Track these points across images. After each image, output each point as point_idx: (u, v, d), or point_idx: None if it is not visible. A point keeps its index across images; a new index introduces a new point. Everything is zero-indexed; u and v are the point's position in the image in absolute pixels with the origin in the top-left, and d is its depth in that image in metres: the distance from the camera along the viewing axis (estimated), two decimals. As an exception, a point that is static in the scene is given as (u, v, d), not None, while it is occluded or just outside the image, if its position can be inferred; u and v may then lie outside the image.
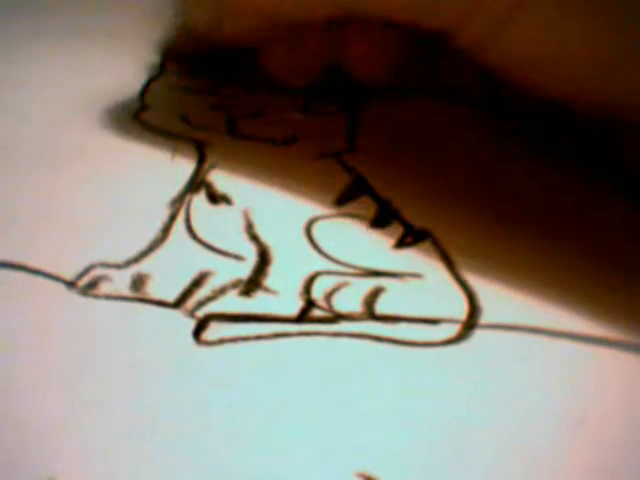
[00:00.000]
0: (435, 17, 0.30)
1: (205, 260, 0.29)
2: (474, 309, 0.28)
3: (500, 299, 0.28)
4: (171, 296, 0.27)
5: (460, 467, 0.24)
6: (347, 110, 0.35)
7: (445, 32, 0.31)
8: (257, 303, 0.27)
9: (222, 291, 0.28)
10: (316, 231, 0.30)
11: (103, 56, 0.38)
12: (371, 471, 0.23)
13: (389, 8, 0.31)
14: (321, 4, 0.32)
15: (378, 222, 0.30)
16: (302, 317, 0.27)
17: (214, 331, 0.26)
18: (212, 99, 0.36)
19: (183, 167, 0.32)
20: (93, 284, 0.27)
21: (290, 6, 0.32)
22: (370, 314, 0.27)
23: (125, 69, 0.37)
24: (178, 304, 0.27)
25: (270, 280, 0.28)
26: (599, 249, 0.30)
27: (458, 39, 0.31)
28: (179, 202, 0.31)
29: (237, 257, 0.29)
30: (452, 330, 0.27)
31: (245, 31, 0.34)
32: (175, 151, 0.33)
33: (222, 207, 0.30)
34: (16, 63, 0.37)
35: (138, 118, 0.34)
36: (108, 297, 0.27)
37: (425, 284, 0.28)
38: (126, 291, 0.27)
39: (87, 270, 0.28)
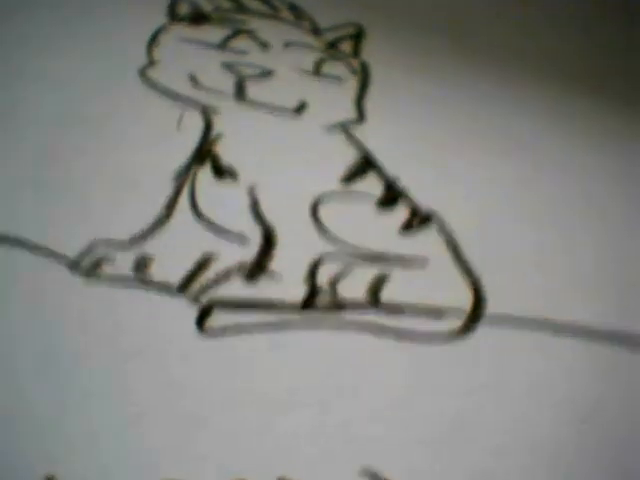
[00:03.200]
0: None
1: (209, 241, 0.28)
2: (479, 299, 0.27)
3: (505, 288, 0.28)
4: (175, 278, 0.27)
5: (462, 459, 0.24)
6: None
7: None
8: (261, 288, 0.27)
9: (226, 275, 0.27)
10: (322, 211, 0.29)
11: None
12: (374, 462, 0.23)
13: None
14: None
15: (385, 202, 0.30)
16: (307, 304, 0.27)
17: (218, 318, 0.26)
18: (222, 55, 0.34)
19: (189, 135, 0.31)
20: (96, 265, 0.27)
21: None
22: (375, 302, 0.27)
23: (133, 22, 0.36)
24: (182, 288, 0.27)
25: (275, 264, 0.28)
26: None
27: None
28: (184, 174, 0.30)
29: (242, 238, 0.28)
30: (456, 321, 0.27)
31: None
32: (181, 118, 0.32)
33: (227, 181, 0.30)
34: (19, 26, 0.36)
35: (144, 75, 0.33)
36: (111, 279, 0.27)
37: (430, 271, 0.28)
38: (129, 272, 0.27)
39: (90, 248, 0.28)
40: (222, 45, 0.35)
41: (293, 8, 0.36)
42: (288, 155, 0.31)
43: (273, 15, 0.36)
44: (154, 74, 0.33)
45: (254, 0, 0.37)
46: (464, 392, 0.25)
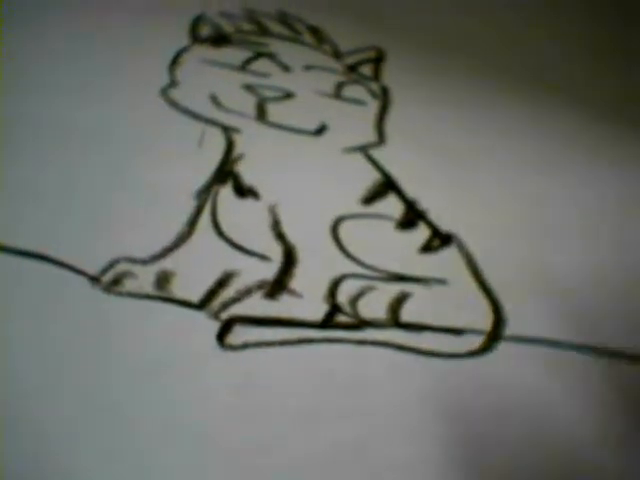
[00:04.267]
0: None
1: (230, 258, 0.28)
2: (499, 320, 0.27)
3: (525, 309, 0.28)
4: (195, 295, 0.27)
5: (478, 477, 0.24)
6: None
7: None
8: (282, 306, 0.27)
9: (247, 292, 0.27)
10: (342, 231, 0.29)
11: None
12: (392, 478, 0.23)
13: None
14: None
15: (405, 223, 0.30)
16: (327, 322, 0.27)
17: (238, 334, 0.26)
18: (243, 77, 0.35)
19: (210, 155, 0.32)
20: (117, 280, 0.27)
21: None
22: (395, 321, 0.27)
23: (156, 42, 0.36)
24: (203, 305, 0.27)
25: (295, 282, 0.28)
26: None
27: None
28: (206, 193, 0.30)
29: (263, 257, 0.28)
30: (476, 340, 0.27)
31: None
32: (202, 137, 0.32)
33: (249, 201, 0.30)
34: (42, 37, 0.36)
35: (166, 95, 0.34)
36: (132, 295, 0.27)
37: (450, 291, 0.28)
38: (150, 288, 0.27)
39: (111, 264, 0.28)
40: (243, 67, 0.35)
41: (314, 31, 0.37)
42: (309, 176, 0.31)
43: (294, 38, 0.36)
44: (176, 94, 0.34)
45: (276, 23, 0.37)
46: (480, 411, 0.25)
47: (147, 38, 0.36)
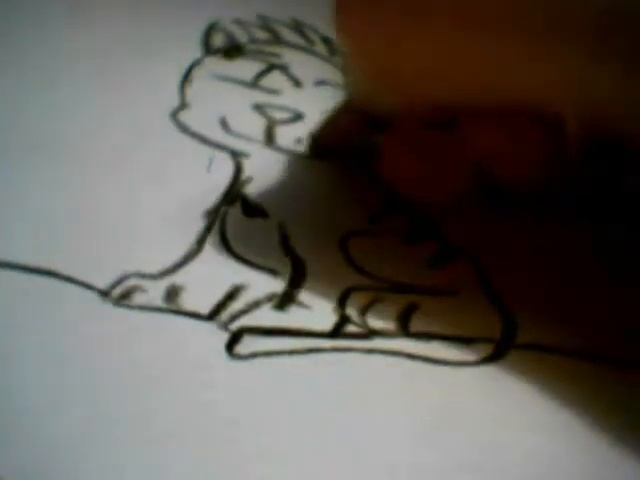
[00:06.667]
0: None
1: (239, 273, 0.28)
2: (509, 329, 0.27)
3: (536, 319, 0.28)
4: (205, 309, 0.27)
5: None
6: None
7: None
8: (291, 317, 0.27)
9: (256, 304, 0.27)
10: (351, 246, 0.30)
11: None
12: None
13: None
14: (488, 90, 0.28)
15: (413, 238, 0.30)
16: (336, 332, 0.27)
17: (247, 344, 0.26)
18: (254, 95, 0.35)
19: (219, 178, 0.32)
20: (127, 294, 0.27)
21: (448, 90, 0.29)
22: (404, 331, 0.27)
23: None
24: (212, 316, 0.27)
25: (304, 294, 0.28)
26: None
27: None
28: (214, 213, 0.30)
29: (272, 271, 0.28)
30: (486, 349, 0.27)
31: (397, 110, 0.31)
32: (212, 161, 0.32)
33: (257, 220, 0.30)
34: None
35: (176, 118, 0.34)
36: (142, 308, 0.27)
37: (460, 302, 0.28)
38: (160, 302, 0.27)
39: (121, 280, 0.28)
40: (254, 83, 0.35)
41: (327, 41, 0.37)
42: (317, 195, 0.32)
43: (307, 48, 0.37)
44: (186, 117, 0.34)
45: (290, 30, 0.38)
46: (493, 420, 0.25)
47: (163, 53, 0.36)
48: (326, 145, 0.33)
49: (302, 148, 0.33)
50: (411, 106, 0.30)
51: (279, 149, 0.33)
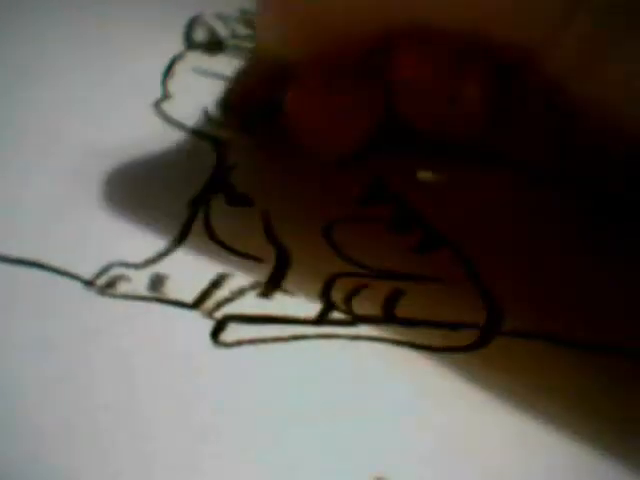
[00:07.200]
0: (520, 30, 0.26)
1: (224, 262, 0.28)
2: (494, 316, 0.27)
3: (521, 305, 0.28)
4: (189, 297, 0.27)
5: (474, 472, 0.23)
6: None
7: (529, 56, 0.27)
8: (275, 305, 0.27)
9: (241, 292, 0.27)
10: (336, 233, 0.29)
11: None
12: (385, 473, 0.23)
13: (462, 18, 0.27)
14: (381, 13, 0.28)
15: (398, 225, 0.30)
16: (321, 319, 0.27)
17: (232, 332, 0.26)
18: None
19: (203, 167, 0.32)
20: (111, 284, 0.27)
21: (343, 17, 0.28)
22: (389, 317, 0.27)
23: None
24: (196, 305, 0.27)
25: (289, 282, 0.28)
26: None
27: (544, 64, 0.27)
28: (198, 202, 0.30)
29: (256, 259, 0.28)
30: (472, 336, 0.27)
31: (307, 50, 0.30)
32: (193, 151, 0.32)
33: (242, 208, 0.30)
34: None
35: (158, 108, 0.34)
36: (126, 297, 0.27)
37: (445, 288, 0.28)
38: (144, 291, 0.27)
39: (105, 269, 0.28)
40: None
41: None
42: (301, 182, 0.31)
43: None
44: (168, 107, 0.34)
45: None
46: (477, 405, 0.25)
47: (145, 46, 0.36)
48: (235, 104, 0.33)
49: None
50: (323, 43, 0.29)
51: (262, 137, 0.33)
